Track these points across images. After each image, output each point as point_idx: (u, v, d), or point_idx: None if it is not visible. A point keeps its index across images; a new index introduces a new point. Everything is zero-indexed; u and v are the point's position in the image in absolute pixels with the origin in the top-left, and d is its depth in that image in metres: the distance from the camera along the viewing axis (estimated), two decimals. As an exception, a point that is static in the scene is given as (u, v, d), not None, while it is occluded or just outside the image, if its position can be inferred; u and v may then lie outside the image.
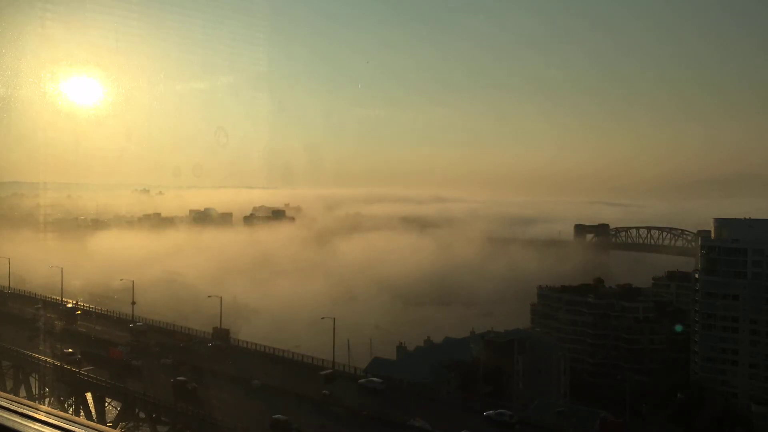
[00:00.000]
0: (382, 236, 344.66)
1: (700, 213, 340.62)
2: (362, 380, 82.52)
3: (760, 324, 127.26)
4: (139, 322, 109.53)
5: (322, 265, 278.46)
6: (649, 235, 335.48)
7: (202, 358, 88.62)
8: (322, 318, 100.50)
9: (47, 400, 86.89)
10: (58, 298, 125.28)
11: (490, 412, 72.23)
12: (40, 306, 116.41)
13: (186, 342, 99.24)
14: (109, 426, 69.14)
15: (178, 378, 77.44)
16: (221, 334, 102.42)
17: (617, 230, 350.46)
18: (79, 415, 74.67)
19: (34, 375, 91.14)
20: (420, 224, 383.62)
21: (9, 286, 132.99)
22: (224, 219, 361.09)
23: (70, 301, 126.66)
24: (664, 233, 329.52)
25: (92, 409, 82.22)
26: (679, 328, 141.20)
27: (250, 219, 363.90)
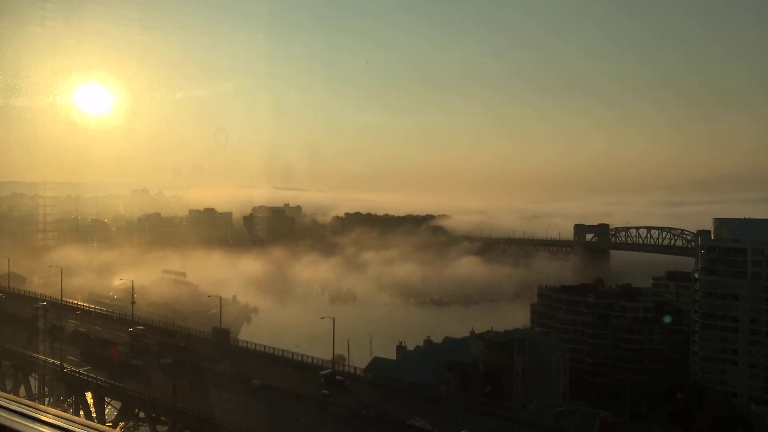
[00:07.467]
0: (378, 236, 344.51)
1: (701, 213, 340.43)
2: None
3: (760, 324, 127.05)
4: (140, 325, 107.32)
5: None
6: (649, 235, 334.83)
7: (202, 357, 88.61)
8: (322, 318, 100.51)
9: (47, 399, 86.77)
10: (75, 302, 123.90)
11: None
12: (43, 305, 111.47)
13: (186, 342, 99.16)
14: (108, 426, 69.12)
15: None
16: (221, 335, 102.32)
17: (617, 230, 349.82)
18: (78, 415, 74.59)
19: (33, 375, 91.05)
20: (421, 225, 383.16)
21: (9, 286, 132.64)
22: (224, 219, 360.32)
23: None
24: (664, 233, 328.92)
25: (92, 409, 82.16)
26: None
27: (250, 219, 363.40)
